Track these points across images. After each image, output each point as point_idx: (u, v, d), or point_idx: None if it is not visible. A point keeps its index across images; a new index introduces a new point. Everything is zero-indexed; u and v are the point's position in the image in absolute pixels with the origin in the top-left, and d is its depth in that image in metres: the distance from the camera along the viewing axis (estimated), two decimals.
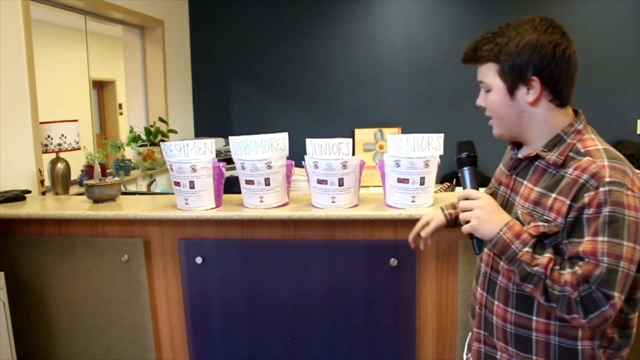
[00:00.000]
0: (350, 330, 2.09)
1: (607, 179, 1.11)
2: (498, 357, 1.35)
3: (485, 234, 1.20)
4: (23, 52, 2.96)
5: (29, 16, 2.99)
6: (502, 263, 1.29)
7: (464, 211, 1.24)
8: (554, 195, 1.18)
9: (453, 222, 1.60)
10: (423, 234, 1.60)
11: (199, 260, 2.10)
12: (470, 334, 1.56)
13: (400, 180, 1.97)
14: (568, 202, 1.15)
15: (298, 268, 2.08)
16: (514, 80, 1.22)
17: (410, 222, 1.96)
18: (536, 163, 1.27)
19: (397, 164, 1.96)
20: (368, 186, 4.83)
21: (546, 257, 1.15)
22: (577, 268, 1.12)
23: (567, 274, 1.12)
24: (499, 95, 1.25)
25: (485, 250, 1.36)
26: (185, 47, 5.44)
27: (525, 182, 1.28)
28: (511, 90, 1.23)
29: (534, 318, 1.24)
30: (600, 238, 1.10)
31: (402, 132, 5.23)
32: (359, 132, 5.30)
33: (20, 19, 2.94)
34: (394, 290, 2.04)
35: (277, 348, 2.14)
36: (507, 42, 1.22)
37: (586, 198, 1.12)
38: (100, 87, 7.36)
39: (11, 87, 2.87)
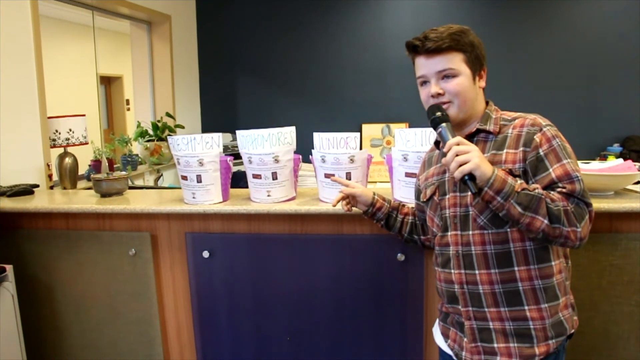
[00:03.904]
0: (357, 325, 2.08)
1: (544, 123, 1.41)
2: (491, 327, 1.45)
3: (485, 171, 1.29)
4: (31, 48, 2.97)
5: (37, 12, 3.00)
6: (471, 232, 1.43)
7: (458, 155, 1.30)
8: (504, 151, 1.41)
9: (374, 211, 1.76)
10: (343, 189, 1.78)
11: (206, 254, 2.10)
12: (439, 323, 1.66)
13: (408, 175, 1.96)
14: (520, 149, 1.39)
15: (305, 263, 2.08)
16: (476, 68, 1.46)
17: None
18: (475, 139, 1.48)
19: (405, 158, 1.95)
20: (375, 182, 4.82)
21: (536, 184, 1.34)
22: (559, 189, 1.33)
23: (555, 193, 1.32)
24: (467, 80, 1.45)
25: (450, 233, 1.49)
26: (193, 42, 5.44)
27: None
28: (474, 76, 1.46)
29: (516, 269, 1.40)
30: (565, 161, 1.35)
31: (410, 128, 5.22)
32: (366, 128, 5.29)
33: (29, 15, 2.95)
34: (401, 285, 2.03)
35: (284, 342, 2.14)
36: (467, 37, 1.45)
37: (537, 139, 1.38)
38: (108, 83, 7.38)
39: (20, 83, 2.88)
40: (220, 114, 5.56)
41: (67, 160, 2.99)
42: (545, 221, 1.28)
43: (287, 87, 5.46)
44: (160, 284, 2.20)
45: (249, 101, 5.53)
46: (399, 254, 1.99)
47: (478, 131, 1.47)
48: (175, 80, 4.94)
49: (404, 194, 1.97)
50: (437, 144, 1.62)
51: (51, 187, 3.01)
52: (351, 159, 1.97)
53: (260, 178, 2.04)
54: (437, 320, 1.68)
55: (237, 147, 2.09)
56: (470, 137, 1.47)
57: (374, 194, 1.78)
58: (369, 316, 2.07)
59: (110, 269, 2.19)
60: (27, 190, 2.41)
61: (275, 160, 2.01)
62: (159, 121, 4.54)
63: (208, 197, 2.06)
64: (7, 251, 2.22)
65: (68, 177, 2.98)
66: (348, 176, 1.98)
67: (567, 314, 1.45)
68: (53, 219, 2.23)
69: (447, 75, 1.43)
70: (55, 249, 2.21)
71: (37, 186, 2.55)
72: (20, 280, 2.16)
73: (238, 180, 3.06)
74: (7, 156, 2.74)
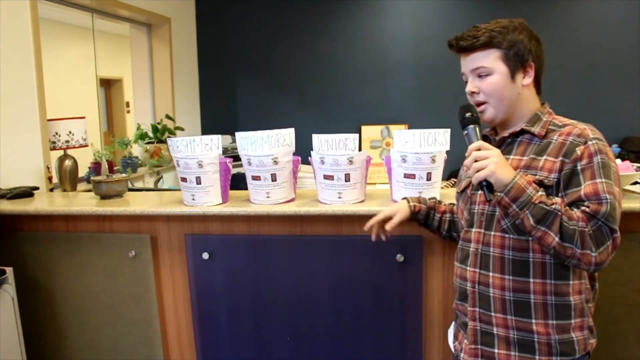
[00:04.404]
0: (357, 325, 2.08)
1: (592, 136, 1.32)
2: (494, 332, 1.42)
3: (502, 178, 1.26)
4: (31, 50, 2.97)
5: (36, 14, 3.00)
6: (493, 233, 1.40)
7: (477, 160, 1.28)
8: (544, 157, 1.35)
9: (415, 215, 1.72)
10: (388, 227, 1.67)
11: (205, 255, 2.11)
12: (453, 324, 1.63)
13: (406, 176, 1.96)
14: (560, 159, 1.32)
15: (304, 264, 2.08)
16: (516, 64, 1.39)
17: None
18: (519, 139, 1.43)
19: (403, 159, 1.95)
20: (375, 183, 4.82)
21: (558, 199, 1.28)
22: (584, 207, 1.26)
23: (577, 212, 1.25)
24: (502, 78, 1.39)
25: (474, 229, 1.46)
26: (192, 45, 5.45)
27: (511, 156, 1.42)
28: (513, 74, 1.40)
29: (531, 280, 1.36)
30: (599, 180, 1.28)
31: (409, 129, 5.22)
32: (365, 129, 5.30)
33: (28, 17, 2.96)
34: (400, 286, 2.03)
35: (283, 343, 2.14)
36: (508, 32, 1.39)
37: (578, 151, 1.30)
38: (108, 85, 7.39)
39: (19, 85, 2.89)
40: (219, 116, 5.57)
41: (67, 162, 2.99)
42: (557, 239, 1.24)
43: (287, 89, 5.47)
44: (160, 285, 2.20)
45: (248, 103, 5.54)
46: (398, 255, 2.00)
47: (522, 131, 1.42)
48: (175, 83, 4.94)
49: (404, 195, 1.98)
50: (484, 137, 1.54)
51: (51, 190, 3.02)
52: (350, 161, 1.97)
53: (260, 179, 2.04)
54: (453, 322, 1.64)
55: (236, 149, 2.10)
56: (514, 137, 1.44)
57: (408, 201, 1.73)
58: (368, 316, 2.07)
59: (110, 270, 2.19)
60: (27, 193, 2.42)
61: (275, 161, 2.02)
62: (158, 123, 4.55)
63: (207, 199, 2.06)
64: (7, 253, 2.22)
65: (68, 179, 2.98)
66: (347, 177, 1.98)
67: (580, 336, 1.37)
68: (53, 221, 2.23)
69: (480, 73, 1.41)
70: (56, 251, 2.22)
71: (37, 188, 2.56)
72: (20, 283, 2.16)
73: (238, 182, 3.07)
74: (7, 158, 2.75)
